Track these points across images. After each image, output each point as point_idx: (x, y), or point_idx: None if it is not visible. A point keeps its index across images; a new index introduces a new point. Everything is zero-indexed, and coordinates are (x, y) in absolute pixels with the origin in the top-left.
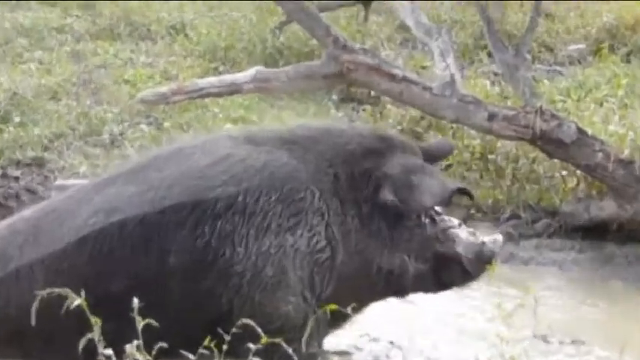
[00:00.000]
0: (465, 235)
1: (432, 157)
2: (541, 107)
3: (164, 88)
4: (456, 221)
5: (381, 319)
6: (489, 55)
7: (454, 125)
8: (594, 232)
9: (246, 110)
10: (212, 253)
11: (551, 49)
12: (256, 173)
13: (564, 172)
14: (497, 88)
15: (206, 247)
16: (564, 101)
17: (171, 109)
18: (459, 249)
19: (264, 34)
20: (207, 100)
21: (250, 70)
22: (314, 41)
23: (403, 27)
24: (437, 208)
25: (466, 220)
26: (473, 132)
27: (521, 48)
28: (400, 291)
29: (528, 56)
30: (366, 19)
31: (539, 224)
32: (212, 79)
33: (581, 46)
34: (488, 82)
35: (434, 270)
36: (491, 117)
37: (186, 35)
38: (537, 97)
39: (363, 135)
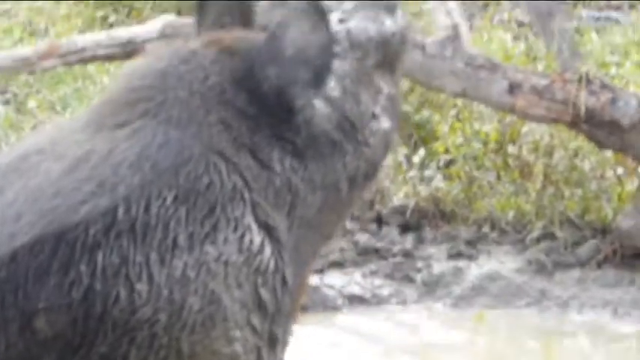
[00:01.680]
0: (362, 16)
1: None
2: (587, 74)
3: (27, 49)
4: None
5: None
6: None
7: (459, 101)
8: None
9: None
10: (99, 303)
11: None
12: (133, 170)
13: (620, 171)
14: (522, 45)
15: (88, 296)
16: (621, 65)
17: (39, 79)
18: (381, 27)
19: None
20: (91, 66)
21: (156, 20)
22: None
23: None
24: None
25: (476, 242)
26: (486, 110)
27: None
28: (388, 154)
29: None
30: None
31: (584, 248)
32: (99, 36)
33: None
34: (509, 36)
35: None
36: (514, 88)
37: None
38: (582, 58)
39: (211, 57)
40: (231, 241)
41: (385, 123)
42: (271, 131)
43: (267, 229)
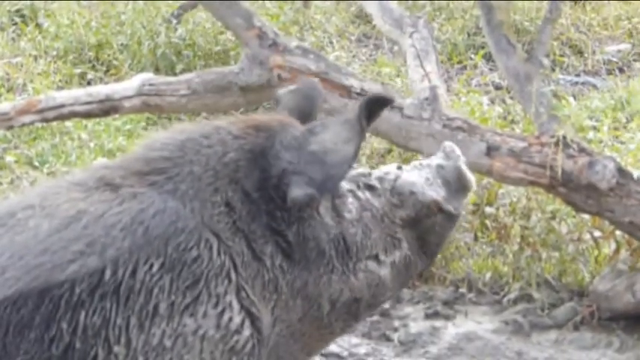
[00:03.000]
0: (418, 177)
1: (306, 112)
2: (564, 137)
3: (5, 105)
4: (394, 168)
5: None
6: (488, 59)
7: None
8: None
9: (129, 138)
10: None
11: (580, 52)
12: (125, 232)
13: (597, 234)
14: (499, 109)
15: (66, 354)
16: (598, 129)
17: (16, 135)
18: (428, 196)
19: (154, 26)
20: (69, 122)
21: (134, 78)
22: (229, 35)
23: (362, 16)
24: (360, 170)
25: (453, 302)
26: None
27: (535, 49)
28: (378, 306)
29: (546, 61)
30: (306, 4)
31: (561, 310)
32: (77, 92)
33: (624, 46)
34: (485, 99)
35: (414, 245)
36: (491, 151)
37: (38, 25)
38: (559, 122)
39: (234, 133)
40: (211, 316)
41: (385, 273)
42: (268, 221)
43: (250, 315)
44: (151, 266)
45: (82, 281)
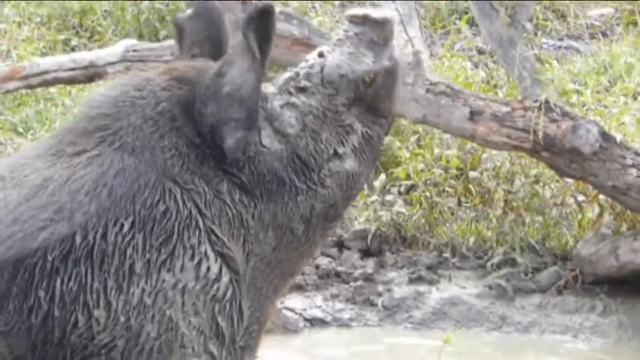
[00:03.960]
0: (339, 56)
1: (216, 43)
2: (547, 101)
3: None
4: (315, 56)
5: None
6: (471, 23)
7: (419, 127)
8: (625, 285)
9: None
10: (58, 329)
11: (563, 16)
12: (91, 196)
13: (581, 198)
14: (482, 73)
15: (46, 322)
16: (581, 92)
17: (1, 101)
18: (357, 72)
19: None
20: (53, 89)
21: (118, 44)
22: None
23: None
24: (286, 75)
25: (437, 267)
26: (447, 137)
27: (518, 13)
28: (357, 193)
29: (529, 25)
30: None
31: (545, 274)
32: (61, 58)
33: (607, 10)
34: (469, 64)
35: (367, 119)
36: (475, 115)
37: None
38: (542, 85)
39: (162, 85)
40: (188, 269)
41: (351, 163)
42: (217, 164)
43: (224, 259)
44: (122, 227)
45: (54, 248)
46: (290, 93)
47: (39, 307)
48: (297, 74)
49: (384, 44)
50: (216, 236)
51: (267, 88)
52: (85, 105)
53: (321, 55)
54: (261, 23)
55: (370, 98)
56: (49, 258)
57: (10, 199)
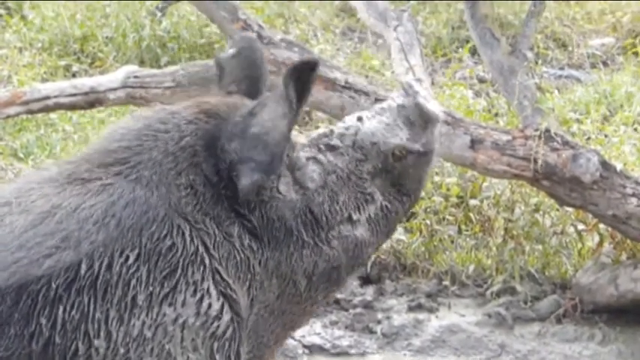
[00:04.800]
0: (377, 124)
1: (254, 82)
2: (548, 130)
3: None
4: (353, 120)
5: None
6: (473, 52)
7: None
8: (624, 315)
9: None
10: (58, 356)
11: (564, 45)
12: (99, 226)
13: (581, 227)
14: (483, 101)
15: (47, 349)
16: (581, 121)
17: (1, 127)
18: (389, 143)
19: (138, 18)
20: (54, 114)
21: (119, 70)
22: (214, 28)
23: (346, 9)
24: (321, 131)
25: (436, 295)
26: (448, 165)
27: (519, 42)
28: (363, 264)
29: (530, 54)
30: None
31: (544, 303)
32: (62, 84)
33: (608, 40)
34: (470, 93)
35: (389, 193)
36: (475, 144)
37: (23, 18)
38: (543, 114)
39: (188, 118)
40: (190, 304)
41: (362, 232)
42: (230, 205)
43: (227, 299)
44: (127, 258)
45: (59, 276)
46: (319, 149)
47: (40, 334)
48: (332, 132)
49: (424, 128)
50: (221, 277)
51: (299, 138)
52: (105, 138)
53: (359, 119)
54: (304, 76)
55: (397, 173)
56: (53, 285)
57: (17, 225)
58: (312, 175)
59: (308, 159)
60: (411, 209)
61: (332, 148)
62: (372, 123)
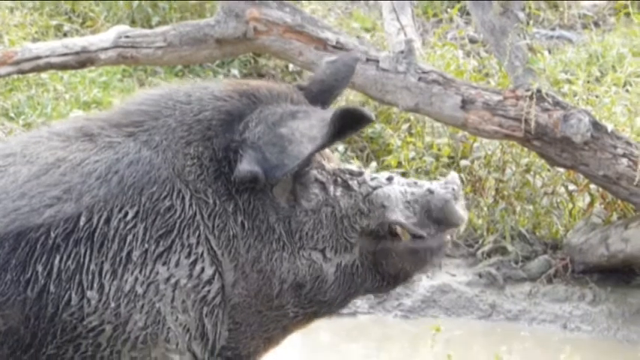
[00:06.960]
0: (398, 193)
1: (327, 90)
2: (539, 90)
3: None
4: (384, 176)
5: None
6: (463, 12)
7: (411, 116)
8: (615, 274)
9: (104, 90)
10: (52, 304)
11: (555, 6)
12: (101, 181)
13: (572, 187)
14: (474, 62)
15: (41, 296)
16: (573, 82)
17: None
18: (394, 215)
19: None
20: (45, 74)
21: (110, 30)
22: None
23: None
24: (352, 168)
25: None
26: (438, 126)
27: (511, 2)
28: (322, 306)
29: (522, 15)
30: None
31: (535, 263)
32: (53, 43)
33: (600, 1)
34: (461, 53)
35: (367, 258)
36: (466, 104)
37: None
38: (534, 75)
39: (215, 94)
40: (183, 265)
41: (329, 270)
42: (225, 182)
43: (217, 262)
44: (126, 214)
45: (58, 226)
46: (335, 181)
47: (36, 281)
48: (360, 174)
49: (437, 224)
50: (211, 246)
51: (329, 158)
52: (128, 100)
53: (389, 179)
54: (354, 124)
55: (381, 250)
56: (52, 235)
57: (20, 175)
58: (310, 196)
59: (317, 181)
60: (387, 291)
61: (345, 187)
62: (394, 189)
